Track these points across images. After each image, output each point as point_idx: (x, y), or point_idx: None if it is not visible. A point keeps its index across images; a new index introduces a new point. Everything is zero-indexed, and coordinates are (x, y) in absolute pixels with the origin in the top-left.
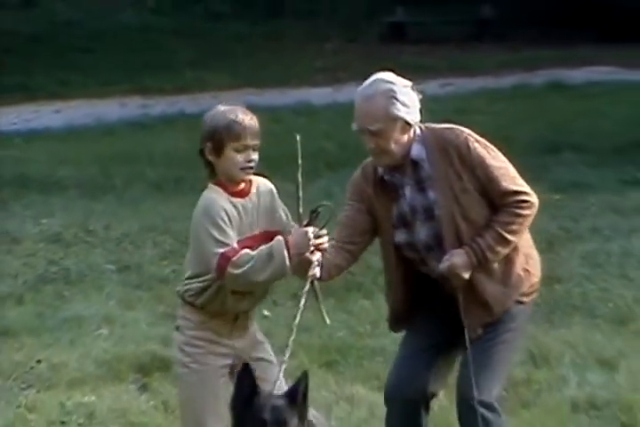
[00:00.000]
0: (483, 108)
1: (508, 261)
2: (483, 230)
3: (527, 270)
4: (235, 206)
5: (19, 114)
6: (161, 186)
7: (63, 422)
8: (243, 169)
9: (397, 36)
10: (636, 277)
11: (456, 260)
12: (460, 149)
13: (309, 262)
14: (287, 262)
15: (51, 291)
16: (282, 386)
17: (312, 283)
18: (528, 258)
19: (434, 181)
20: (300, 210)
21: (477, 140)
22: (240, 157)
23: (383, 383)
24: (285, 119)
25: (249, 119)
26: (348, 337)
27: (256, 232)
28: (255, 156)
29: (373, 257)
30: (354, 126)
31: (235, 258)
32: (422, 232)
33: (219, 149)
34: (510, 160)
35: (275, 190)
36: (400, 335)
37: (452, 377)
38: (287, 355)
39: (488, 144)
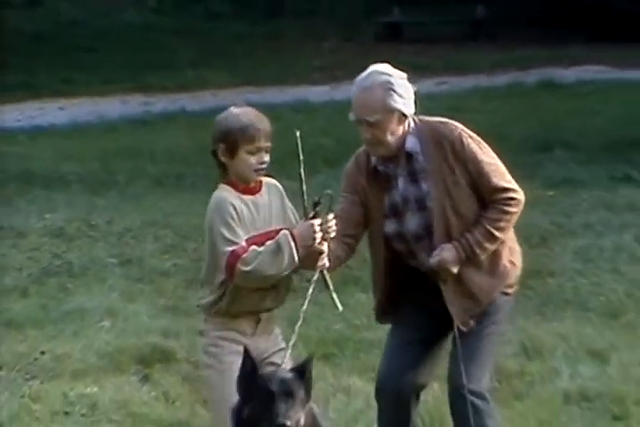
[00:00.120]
0: (477, 107)
1: (495, 253)
2: (472, 226)
3: (512, 262)
4: (245, 203)
5: (23, 111)
6: (162, 182)
7: (66, 413)
8: (256, 171)
9: (393, 36)
10: (627, 272)
11: (446, 255)
12: (454, 145)
13: (318, 253)
14: (295, 254)
15: (54, 284)
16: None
17: (322, 273)
18: (512, 251)
19: (427, 173)
20: (306, 204)
21: (470, 136)
22: (253, 159)
23: None
24: (284, 117)
25: (262, 122)
26: (345, 330)
27: (272, 228)
28: (267, 157)
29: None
30: (351, 117)
31: (244, 255)
32: (412, 222)
33: (232, 151)
34: (503, 158)
35: (283, 191)
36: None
37: (444, 368)
38: (293, 340)
39: (480, 140)
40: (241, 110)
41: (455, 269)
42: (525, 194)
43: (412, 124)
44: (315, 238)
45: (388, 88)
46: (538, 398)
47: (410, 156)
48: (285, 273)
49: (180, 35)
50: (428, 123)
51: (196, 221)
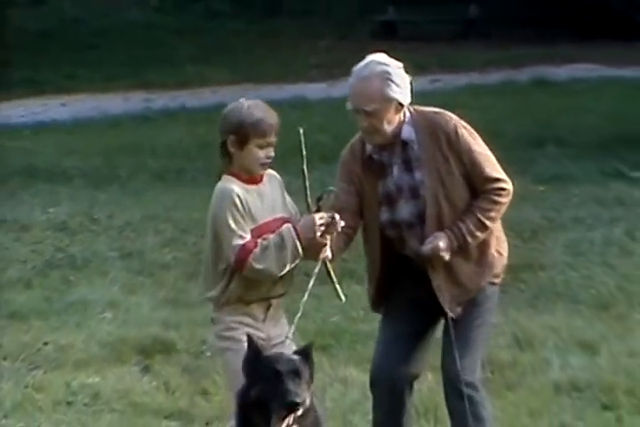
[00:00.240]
0: (470, 104)
1: (483, 243)
2: (463, 215)
3: (499, 252)
4: (250, 193)
5: (27, 107)
6: (163, 177)
7: (69, 402)
8: (262, 164)
9: (388, 34)
10: (617, 265)
11: (439, 242)
12: (448, 135)
13: (321, 246)
14: (299, 246)
15: (57, 276)
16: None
17: (325, 264)
18: (499, 241)
19: (421, 162)
20: (309, 199)
21: (464, 127)
22: (261, 153)
23: None
24: (282, 113)
25: (273, 117)
26: (342, 322)
27: (277, 216)
28: (272, 152)
29: None
30: (348, 106)
31: (256, 250)
32: (405, 210)
33: (242, 143)
34: (496, 154)
35: (281, 181)
36: None
37: (437, 360)
38: (292, 330)
39: (472, 130)
40: (253, 103)
41: (447, 257)
42: (517, 189)
43: (408, 114)
44: (316, 231)
45: (386, 78)
46: (529, 389)
47: (405, 144)
48: (291, 266)
49: (180, 33)
50: (424, 113)
51: (196, 215)
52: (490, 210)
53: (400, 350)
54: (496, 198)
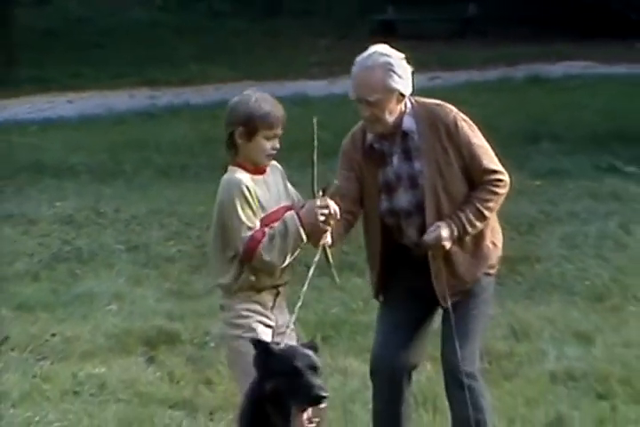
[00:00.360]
0: (468, 101)
1: (478, 234)
2: (463, 205)
3: (494, 243)
4: (257, 184)
5: (34, 104)
6: (167, 172)
7: (76, 392)
8: (268, 155)
9: (388, 33)
10: (612, 258)
11: (442, 231)
12: (448, 127)
13: (322, 232)
14: (302, 232)
15: (64, 269)
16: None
17: (324, 250)
18: (494, 232)
19: (421, 152)
20: (315, 187)
21: (464, 120)
22: (268, 145)
23: None
24: (283, 110)
25: (280, 110)
26: (342, 313)
27: (282, 204)
28: (278, 144)
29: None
30: (351, 96)
31: (264, 239)
32: (404, 199)
33: (250, 134)
34: (493, 149)
35: (283, 171)
36: None
37: (436, 350)
38: (293, 319)
39: (471, 123)
40: (260, 96)
41: (449, 246)
42: (514, 184)
43: (409, 105)
44: (318, 217)
45: (388, 69)
46: (526, 378)
47: (405, 135)
48: (294, 253)
49: (183, 32)
50: (425, 104)
51: (200, 209)
52: (488, 200)
53: (399, 339)
54: (494, 189)
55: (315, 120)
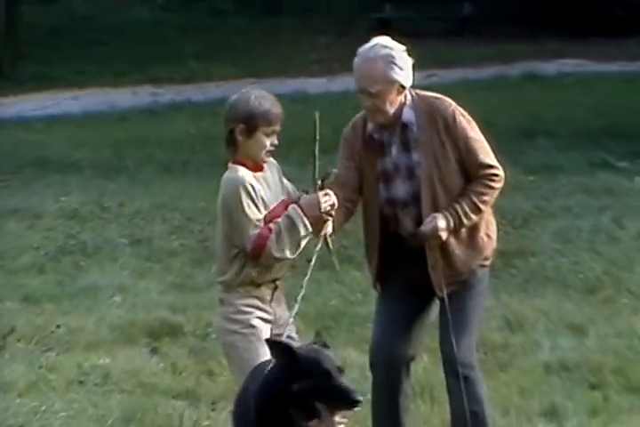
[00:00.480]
0: (465, 98)
1: (473, 227)
2: (459, 198)
3: (489, 235)
4: (258, 180)
5: (39, 101)
6: (169, 168)
7: (81, 382)
8: (267, 152)
9: (385, 31)
10: (604, 252)
11: (439, 222)
12: (447, 120)
13: (324, 222)
14: (307, 223)
15: (69, 262)
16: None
17: (325, 239)
18: (489, 225)
19: (419, 144)
20: (316, 178)
21: (462, 114)
22: (267, 141)
23: None
24: (283, 107)
25: (278, 107)
26: (341, 305)
27: (280, 199)
28: (276, 140)
29: None
30: (354, 86)
31: (272, 236)
32: (401, 189)
33: (250, 131)
34: (489, 145)
35: (279, 166)
36: None
37: (433, 342)
38: (295, 311)
39: (470, 118)
40: (259, 93)
41: (445, 236)
42: (509, 179)
43: (410, 97)
44: (319, 206)
45: (390, 61)
46: (520, 369)
47: (405, 126)
48: (304, 242)
49: (185, 30)
50: (425, 97)
51: (202, 204)
52: (484, 194)
53: (397, 330)
54: (489, 183)
55: (317, 114)
